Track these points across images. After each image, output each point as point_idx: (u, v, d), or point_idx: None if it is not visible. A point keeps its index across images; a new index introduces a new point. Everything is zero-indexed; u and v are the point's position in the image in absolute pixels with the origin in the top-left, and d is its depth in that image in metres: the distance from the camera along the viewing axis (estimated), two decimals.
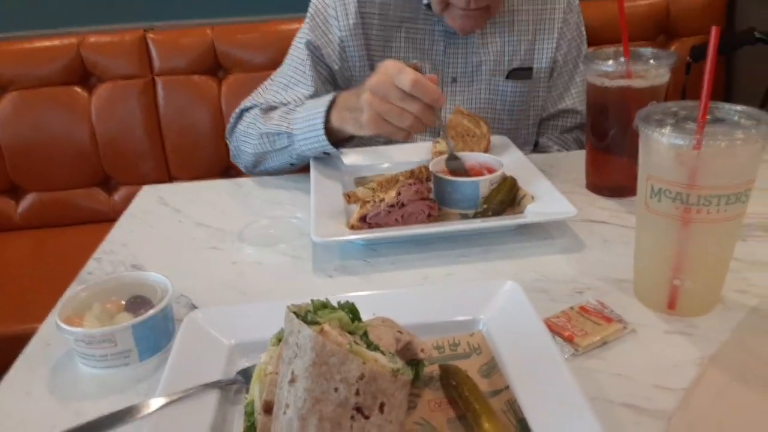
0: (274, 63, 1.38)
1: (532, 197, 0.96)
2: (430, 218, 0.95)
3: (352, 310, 0.58)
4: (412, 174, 0.97)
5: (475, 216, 0.95)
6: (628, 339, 0.70)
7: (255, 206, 1.11)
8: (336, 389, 0.49)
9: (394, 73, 0.93)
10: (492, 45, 1.29)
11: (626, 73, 0.96)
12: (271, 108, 1.23)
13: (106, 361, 0.68)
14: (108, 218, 1.90)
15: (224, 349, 0.67)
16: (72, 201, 2.04)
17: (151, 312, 0.69)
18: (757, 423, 0.58)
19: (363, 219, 0.93)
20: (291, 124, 1.13)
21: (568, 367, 0.60)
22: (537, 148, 1.42)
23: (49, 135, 1.96)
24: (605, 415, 0.58)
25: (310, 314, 0.54)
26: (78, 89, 1.98)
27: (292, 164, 1.21)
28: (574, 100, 1.37)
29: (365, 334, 0.55)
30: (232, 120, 1.30)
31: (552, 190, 0.97)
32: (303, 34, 1.28)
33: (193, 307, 0.80)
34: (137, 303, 0.73)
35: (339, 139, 1.11)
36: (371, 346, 0.54)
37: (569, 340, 0.69)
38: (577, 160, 1.14)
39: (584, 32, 1.37)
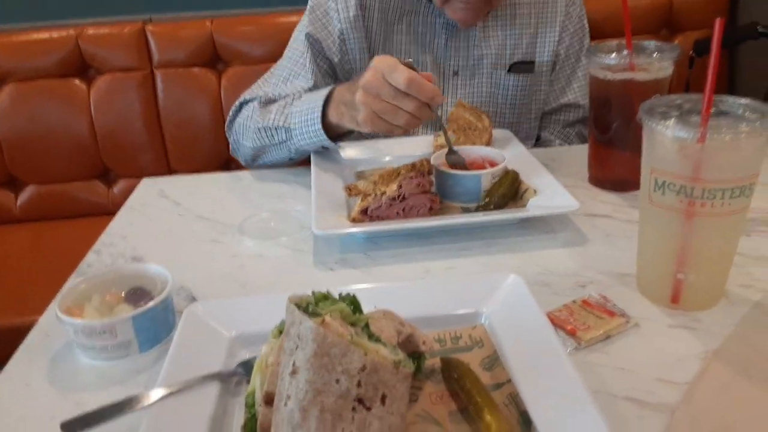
0: (274, 56, 1.38)
1: (535, 191, 0.96)
2: (432, 211, 0.94)
3: (353, 302, 0.57)
4: (413, 167, 0.96)
5: (477, 209, 0.95)
6: (631, 333, 0.70)
7: (255, 199, 1.11)
8: (337, 380, 0.48)
9: (387, 71, 0.92)
10: (494, 38, 1.28)
11: (629, 66, 0.95)
12: (270, 101, 1.23)
13: (106, 353, 0.68)
14: (107, 211, 1.89)
15: (225, 341, 0.67)
16: (71, 194, 2.03)
17: (152, 303, 0.69)
18: (760, 417, 0.58)
19: (364, 212, 0.92)
20: (288, 119, 1.13)
21: (570, 360, 0.60)
22: (539, 142, 1.42)
23: (47, 127, 1.95)
24: (608, 408, 0.58)
25: (312, 306, 0.54)
26: (77, 81, 1.97)
27: (291, 158, 1.20)
28: (576, 94, 1.36)
29: (367, 325, 0.55)
30: (231, 113, 1.30)
31: (554, 184, 0.97)
32: (303, 26, 1.27)
33: (194, 299, 0.80)
34: (137, 295, 0.73)
35: (338, 133, 1.10)
36: (373, 337, 0.54)
37: (572, 333, 0.69)
38: (579, 153, 1.14)
39: (587, 25, 1.36)
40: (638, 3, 2.02)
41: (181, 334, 0.66)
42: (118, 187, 2.05)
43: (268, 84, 1.28)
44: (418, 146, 1.17)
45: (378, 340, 0.54)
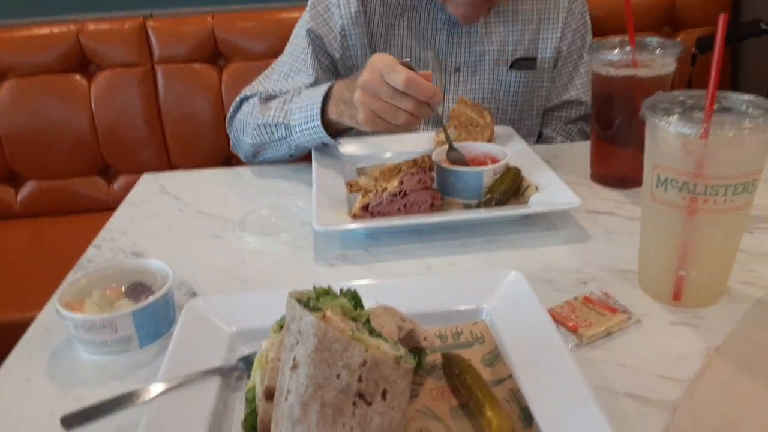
0: (275, 51, 1.37)
1: (536, 187, 0.96)
2: (433, 208, 0.94)
3: (354, 297, 0.57)
4: (414, 163, 0.96)
5: (479, 206, 0.95)
6: (633, 330, 0.70)
7: (256, 195, 1.10)
8: (338, 375, 0.48)
9: (385, 71, 0.91)
10: (495, 34, 1.28)
11: (632, 63, 0.95)
12: (270, 97, 1.22)
13: (106, 347, 0.68)
14: (107, 207, 1.89)
15: (225, 337, 0.67)
16: (71, 189, 2.03)
17: (152, 298, 0.69)
18: (762, 414, 0.58)
19: (365, 208, 0.92)
20: (288, 115, 1.13)
21: (572, 356, 0.60)
22: (540, 139, 1.41)
23: (48, 123, 1.95)
24: (609, 405, 0.58)
25: (312, 301, 0.54)
26: (77, 77, 1.96)
27: (291, 155, 1.20)
28: (579, 90, 1.36)
29: (368, 321, 0.55)
30: (232, 109, 1.29)
31: (556, 181, 0.97)
32: (304, 22, 1.27)
33: (194, 294, 0.80)
34: (137, 290, 0.72)
35: (338, 130, 1.10)
36: (374, 333, 0.54)
37: (573, 330, 0.69)
38: (581, 150, 1.14)
39: (589, 22, 1.35)
40: (641, 0, 2.02)
41: (181, 329, 0.66)
42: (118, 183, 2.05)
43: (268, 80, 1.28)
44: (419, 142, 1.17)
45: (379, 335, 0.54)
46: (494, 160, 1.00)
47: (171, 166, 2.03)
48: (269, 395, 0.54)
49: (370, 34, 1.26)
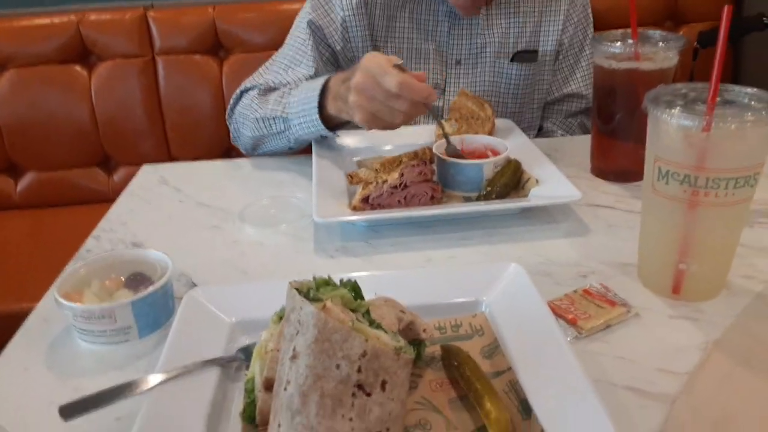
0: (276, 43, 1.37)
1: (537, 181, 0.95)
2: (433, 200, 0.94)
3: (354, 288, 0.57)
4: (415, 155, 0.96)
5: (479, 199, 0.95)
6: (632, 323, 0.70)
7: (256, 186, 1.10)
8: (338, 366, 0.48)
9: (378, 73, 0.91)
10: (497, 27, 1.27)
11: (634, 56, 0.95)
12: (270, 90, 1.22)
13: (105, 337, 0.68)
14: (107, 198, 1.88)
15: (225, 327, 0.67)
16: (71, 181, 2.03)
17: (151, 289, 0.68)
18: (761, 408, 0.58)
19: (365, 200, 0.92)
20: (286, 109, 1.12)
21: (571, 349, 0.60)
22: (541, 132, 1.41)
23: (48, 114, 1.95)
24: (608, 397, 0.58)
25: (313, 291, 0.54)
26: (77, 68, 1.96)
27: (291, 147, 1.20)
28: (580, 84, 1.36)
29: (367, 312, 0.55)
30: (232, 101, 1.29)
31: (557, 174, 0.96)
32: (305, 13, 1.26)
33: (194, 285, 0.80)
34: (137, 280, 0.72)
35: (338, 123, 1.10)
36: (373, 324, 0.54)
37: (572, 323, 0.69)
38: (582, 144, 1.13)
39: (591, 15, 1.35)
40: None
41: (181, 319, 0.66)
42: (118, 175, 2.05)
43: (269, 72, 1.27)
44: (420, 135, 1.17)
45: (379, 326, 0.54)
46: (495, 153, 1.00)
47: (171, 157, 2.02)
48: (268, 386, 0.54)
49: (371, 26, 1.25)
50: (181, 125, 2.00)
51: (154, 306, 0.70)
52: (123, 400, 0.57)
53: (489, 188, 0.94)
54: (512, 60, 1.30)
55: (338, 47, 1.25)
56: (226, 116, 1.31)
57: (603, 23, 1.54)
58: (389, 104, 0.92)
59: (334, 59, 1.28)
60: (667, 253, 0.72)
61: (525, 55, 1.30)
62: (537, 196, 0.93)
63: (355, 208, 0.92)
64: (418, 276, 0.76)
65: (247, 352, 0.63)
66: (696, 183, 0.66)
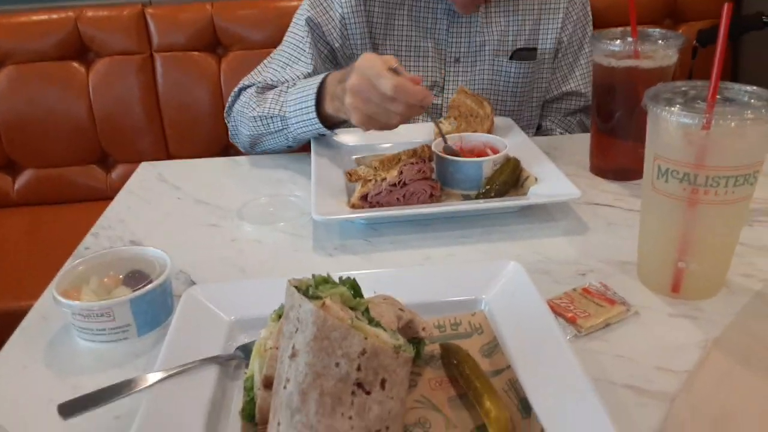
0: (274, 40, 1.37)
1: (536, 179, 0.95)
2: (432, 198, 0.94)
3: (353, 286, 0.57)
4: (414, 153, 0.95)
5: (478, 197, 0.94)
6: (631, 321, 0.70)
7: (254, 184, 1.10)
8: (337, 364, 0.48)
9: (373, 75, 0.91)
10: (496, 24, 1.27)
11: (634, 54, 0.95)
12: (268, 88, 1.21)
13: (104, 335, 0.68)
14: (105, 196, 1.87)
15: (224, 325, 0.67)
16: (69, 178, 2.02)
17: (150, 286, 0.68)
18: (760, 406, 0.58)
19: (364, 198, 0.91)
20: (284, 107, 1.12)
21: (570, 347, 0.59)
22: (539, 131, 1.41)
23: (45, 110, 1.94)
24: (607, 396, 0.58)
25: (312, 289, 0.53)
26: (75, 64, 1.95)
27: (289, 146, 1.20)
28: (579, 82, 1.35)
29: (367, 310, 0.54)
30: (230, 99, 1.28)
31: (556, 172, 0.96)
32: (303, 10, 1.26)
33: (192, 283, 0.79)
34: (135, 278, 0.72)
35: (336, 122, 1.09)
36: (373, 322, 0.54)
37: (572, 321, 0.68)
38: (581, 142, 1.13)
39: (590, 13, 1.35)
40: None
41: (179, 317, 0.66)
42: (116, 173, 2.04)
43: (267, 69, 1.27)
44: (418, 132, 1.17)
45: (378, 324, 0.54)
46: (494, 151, 1.00)
47: (169, 155, 2.01)
48: (268, 384, 0.54)
49: (369, 24, 1.25)
50: (180, 122, 2.00)
51: (152, 304, 0.69)
52: (122, 398, 0.57)
53: (488, 186, 0.94)
54: (511, 58, 1.30)
55: (337, 44, 1.25)
56: (225, 114, 1.31)
57: (602, 21, 1.54)
58: (385, 106, 0.92)
59: (332, 56, 1.27)
60: (667, 252, 0.72)
61: (524, 53, 1.30)
62: (536, 194, 0.93)
63: (353, 206, 0.92)
64: (417, 274, 0.76)
65: (246, 350, 0.63)
66: (696, 181, 0.66)
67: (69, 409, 0.56)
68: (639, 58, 0.94)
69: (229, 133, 1.30)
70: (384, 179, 0.91)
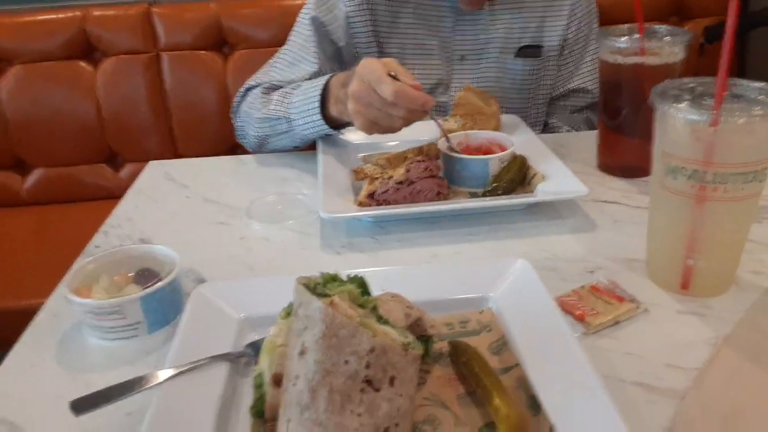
0: (280, 39, 1.36)
1: (543, 176, 0.95)
2: (440, 196, 0.94)
3: (361, 284, 0.57)
4: (420, 151, 0.96)
5: (485, 194, 0.94)
6: (641, 319, 0.70)
7: (262, 183, 1.10)
8: (346, 361, 0.48)
9: (374, 81, 0.90)
10: (501, 22, 1.27)
11: (640, 50, 0.94)
12: (273, 88, 1.22)
13: (114, 333, 0.68)
14: (114, 195, 1.86)
15: (233, 323, 0.67)
16: (78, 177, 2.03)
17: (160, 284, 0.69)
18: None
19: (371, 196, 0.92)
20: (289, 109, 1.12)
21: (579, 344, 0.60)
22: (546, 128, 1.40)
23: (53, 110, 1.95)
24: (617, 393, 0.58)
25: (320, 287, 0.54)
26: (82, 64, 1.96)
27: (296, 146, 1.20)
28: (585, 79, 1.35)
29: (375, 308, 0.55)
30: (236, 100, 1.29)
31: (563, 170, 0.96)
32: (308, 9, 1.26)
33: (202, 281, 0.80)
34: (145, 276, 0.72)
35: (341, 123, 1.09)
36: (381, 320, 0.54)
37: (580, 319, 0.69)
38: (588, 140, 1.13)
39: (596, 10, 1.34)
40: None
41: (189, 314, 0.66)
42: (124, 172, 2.05)
43: (273, 69, 1.27)
44: (425, 130, 1.16)
45: (386, 322, 0.54)
46: (501, 148, 1.00)
47: (177, 154, 2.02)
48: (277, 381, 0.54)
49: (374, 22, 1.25)
50: (187, 121, 2.00)
51: (162, 301, 0.70)
52: (133, 395, 0.58)
53: (495, 184, 0.94)
54: (516, 55, 1.29)
55: (342, 43, 1.25)
56: (231, 114, 1.31)
57: (608, 18, 1.53)
58: (387, 111, 0.92)
59: (337, 55, 1.27)
60: (675, 249, 0.71)
61: (529, 51, 1.30)
62: (543, 191, 0.93)
63: (361, 204, 0.92)
64: (425, 272, 0.76)
65: (255, 347, 0.63)
66: (704, 178, 0.65)
67: (81, 405, 0.57)
68: (645, 54, 0.94)
69: (236, 133, 1.31)
70: (391, 177, 0.91)
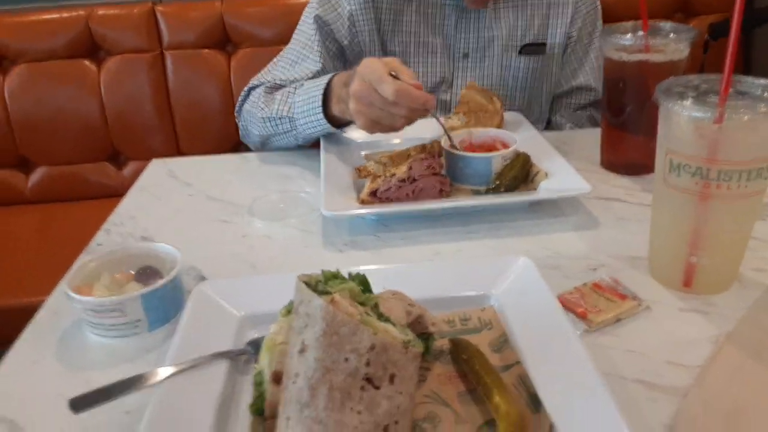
0: (284, 38, 1.36)
1: (546, 174, 0.95)
2: (442, 194, 0.93)
3: (362, 282, 0.57)
4: (423, 149, 0.95)
5: (488, 192, 0.94)
6: (643, 316, 0.69)
7: (265, 181, 1.10)
8: (346, 359, 0.48)
9: (375, 81, 0.90)
10: (504, 19, 1.27)
11: (645, 48, 0.94)
12: (276, 87, 1.22)
13: (115, 331, 0.68)
14: (117, 193, 1.87)
15: (234, 320, 0.67)
16: (82, 175, 2.04)
17: (161, 282, 0.69)
18: None
19: (374, 193, 0.91)
20: (292, 108, 1.12)
21: (581, 342, 0.59)
22: (549, 126, 1.40)
23: (57, 108, 1.95)
24: (618, 390, 0.58)
25: (321, 284, 0.54)
26: (87, 62, 1.96)
27: (299, 145, 1.20)
28: (589, 76, 1.34)
29: (376, 305, 0.55)
30: (240, 99, 1.29)
31: (566, 167, 0.96)
32: (311, 8, 1.26)
33: (203, 279, 0.80)
34: (147, 273, 0.73)
35: (343, 122, 1.09)
36: (382, 317, 0.54)
37: (582, 316, 0.68)
38: (591, 137, 1.13)
39: (600, 7, 1.34)
40: None
41: (190, 312, 0.66)
42: (128, 170, 2.05)
43: (276, 68, 1.27)
44: (428, 128, 1.16)
45: (387, 320, 0.54)
46: (504, 146, 0.99)
47: (180, 152, 2.02)
48: (277, 379, 0.54)
49: (378, 20, 1.25)
50: (190, 120, 2.01)
51: (163, 299, 0.70)
52: (133, 392, 0.58)
53: (498, 181, 0.94)
54: (520, 53, 1.29)
55: (345, 42, 1.25)
56: (235, 113, 1.32)
57: (612, 15, 1.52)
58: (388, 110, 0.92)
59: (341, 54, 1.27)
60: (678, 246, 0.71)
61: (533, 48, 1.29)
62: (546, 189, 0.92)
63: (363, 202, 0.92)
64: (426, 269, 0.76)
65: (256, 345, 0.63)
66: (708, 175, 0.65)
67: (80, 403, 0.57)
68: (650, 52, 0.93)
69: (240, 132, 1.31)
70: (393, 175, 0.91)
